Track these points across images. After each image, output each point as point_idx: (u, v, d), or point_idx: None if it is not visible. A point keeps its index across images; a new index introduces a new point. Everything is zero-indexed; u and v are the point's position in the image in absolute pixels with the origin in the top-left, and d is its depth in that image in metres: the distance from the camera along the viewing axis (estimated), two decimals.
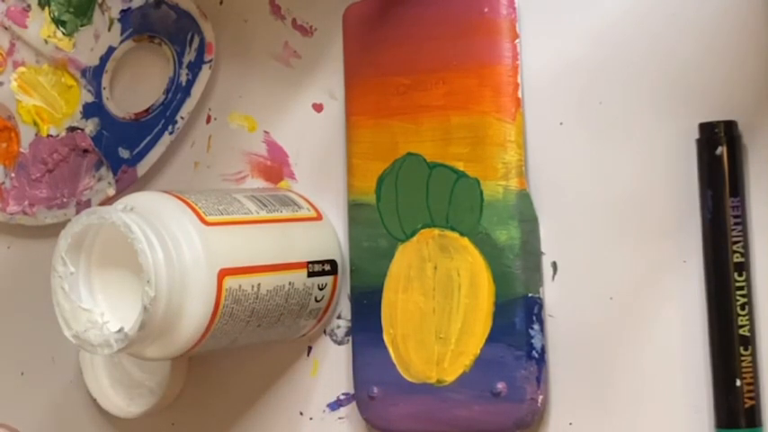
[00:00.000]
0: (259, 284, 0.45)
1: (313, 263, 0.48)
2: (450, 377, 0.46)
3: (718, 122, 0.42)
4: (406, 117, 0.48)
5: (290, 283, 0.47)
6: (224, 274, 0.44)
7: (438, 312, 0.46)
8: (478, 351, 0.45)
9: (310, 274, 0.48)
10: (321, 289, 0.48)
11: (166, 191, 0.47)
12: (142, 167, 0.55)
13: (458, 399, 0.46)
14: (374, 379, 0.48)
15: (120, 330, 0.43)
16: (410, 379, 0.47)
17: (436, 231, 0.47)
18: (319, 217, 0.50)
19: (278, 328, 0.48)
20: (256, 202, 0.48)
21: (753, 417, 0.41)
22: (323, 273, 0.49)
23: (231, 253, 0.45)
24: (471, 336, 0.46)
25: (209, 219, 0.45)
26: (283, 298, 0.47)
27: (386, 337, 0.48)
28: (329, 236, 0.50)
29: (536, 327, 0.45)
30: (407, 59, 0.48)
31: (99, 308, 0.44)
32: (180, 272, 0.43)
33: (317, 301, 0.48)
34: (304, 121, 0.52)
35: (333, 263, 0.49)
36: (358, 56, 0.50)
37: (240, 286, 0.45)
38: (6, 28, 0.60)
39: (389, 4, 0.49)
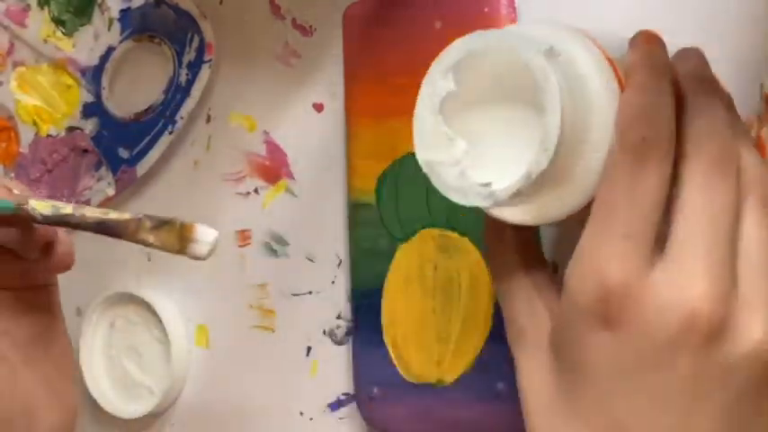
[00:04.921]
0: None
1: None
2: (450, 377, 0.46)
3: None
4: (406, 117, 0.48)
5: None
6: None
7: (438, 312, 0.46)
8: (479, 351, 0.45)
9: None
10: None
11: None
12: (142, 167, 0.55)
13: (458, 399, 0.46)
14: (374, 379, 0.48)
15: (488, 185, 0.35)
16: (410, 379, 0.47)
17: (436, 231, 0.47)
18: None
19: None
20: None
21: None
22: None
23: None
24: (471, 336, 0.46)
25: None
26: None
27: (386, 337, 0.48)
28: None
29: None
30: (407, 59, 0.48)
31: (461, 143, 0.36)
32: (578, 144, 0.35)
33: None
34: (304, 120, 0.52)
35: None
36: (358, 56, 0.50)
37: None
38: (6, 27, 0.60)
39: (389, 3, 0.49)
